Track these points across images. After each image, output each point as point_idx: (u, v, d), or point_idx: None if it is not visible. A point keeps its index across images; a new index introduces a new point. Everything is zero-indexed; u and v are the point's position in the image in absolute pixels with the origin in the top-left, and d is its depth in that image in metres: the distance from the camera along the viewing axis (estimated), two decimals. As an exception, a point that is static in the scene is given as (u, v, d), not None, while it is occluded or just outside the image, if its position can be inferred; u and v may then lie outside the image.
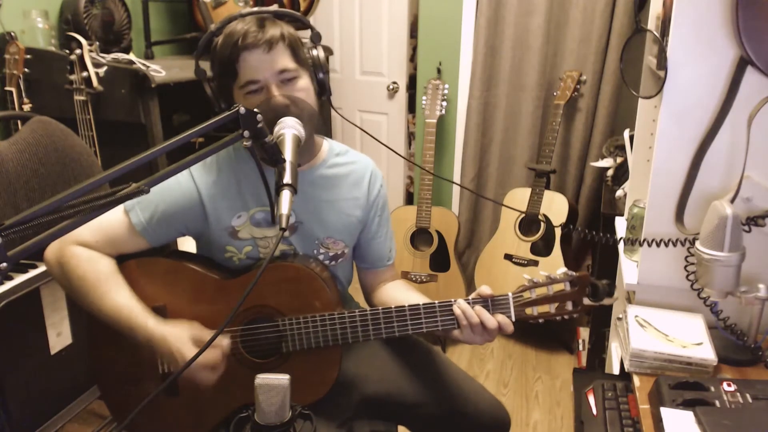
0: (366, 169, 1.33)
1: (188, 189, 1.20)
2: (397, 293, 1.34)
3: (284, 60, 1.14)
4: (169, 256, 1.26)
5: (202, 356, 1.08)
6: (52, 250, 1.19)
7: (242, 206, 1.22)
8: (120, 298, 1.14)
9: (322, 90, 1.22)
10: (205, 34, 1.16)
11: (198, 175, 1.21)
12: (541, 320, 1.16)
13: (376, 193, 1.33)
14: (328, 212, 1.27)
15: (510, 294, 1.14)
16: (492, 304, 1.14)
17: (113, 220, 1.19)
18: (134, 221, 1.19)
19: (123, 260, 1.21)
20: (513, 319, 1.14)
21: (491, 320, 1.11)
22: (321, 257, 1.28)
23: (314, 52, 1.21)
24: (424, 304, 1.15)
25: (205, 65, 1.19)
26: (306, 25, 1.22)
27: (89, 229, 1.17)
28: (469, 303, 1.14)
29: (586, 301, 1.14)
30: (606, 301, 1.13)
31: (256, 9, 1.17)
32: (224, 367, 1.13)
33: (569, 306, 1.14)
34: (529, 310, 1.14)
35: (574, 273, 1.14)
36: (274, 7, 1.21)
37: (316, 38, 1.22)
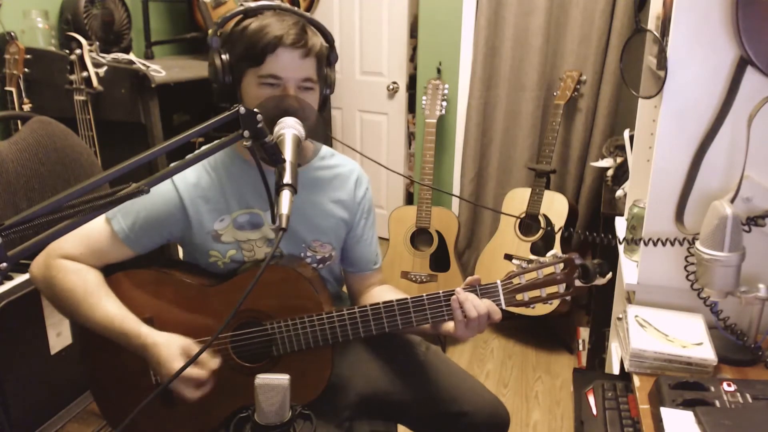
0: (352, 172, 1.33)
1: (169, 194, 1.19)
2: (385, 296, 1.33)
3: (311, 70, 1.16)
4: (154, 266, 1.25)
5: (187, 372, 1.07)
6: (37, 266, 1.18)
7: (225, 209, 1.22)
8: (111, 307, 1.14)
9: (323, 105, 1.24)
10: (238, 9, 1.16)
11: (179, 180, 1.20)
12: (532, 306, 1.14)
13: (361, 196, 1.33)
14: (314, 214, 1.27)
15: (498, 281, 1.14)
16: (480, 292, 1.13)
17: (96, 230, 1.18)
18: (116, 229, 1.18)
19: (108, 273, 1.20)
20: (503, 306, 1.13)
21: (481, 304, 1.11)
22: (308, 260, 1.28)
23: (327, 71, 1.23)
24: (412, 298, 1.15)
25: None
26: (330, 44, 1.22)
27: (72, 241, 1.16)
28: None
29: (578, 282, 1.12)
30: (598, 281, 1.12)
31: (297, 9, 1.18)
32: (210, 385, 1.12)
33: (561, 289, 1.13)
34: (519, 296, 1.13)
35: (563, 255, 1.13)
36: (307, 14, 1.21)
37: (333, 59, 1.24)
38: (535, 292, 1.13)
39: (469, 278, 1.15)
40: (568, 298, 1.14)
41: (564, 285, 1.13)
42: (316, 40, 1.16)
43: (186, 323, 1.18)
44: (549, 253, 1.13)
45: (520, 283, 1.13)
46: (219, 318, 1.18)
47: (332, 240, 1.30)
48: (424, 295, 1.15)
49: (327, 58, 1.22)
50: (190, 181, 1.20)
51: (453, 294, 1.13)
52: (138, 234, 1.19)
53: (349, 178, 1.32)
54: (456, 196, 2.27)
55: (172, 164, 0.86)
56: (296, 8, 1.20)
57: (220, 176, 1.22)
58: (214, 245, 1.23)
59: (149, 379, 1.21)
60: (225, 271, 1.26)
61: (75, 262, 1.17)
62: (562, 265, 1.12)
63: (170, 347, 1.09)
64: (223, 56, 1.16)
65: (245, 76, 1.15)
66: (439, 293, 1.14)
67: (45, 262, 1.17)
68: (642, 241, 1.26)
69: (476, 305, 1.10)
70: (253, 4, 1.17)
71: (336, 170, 1.31)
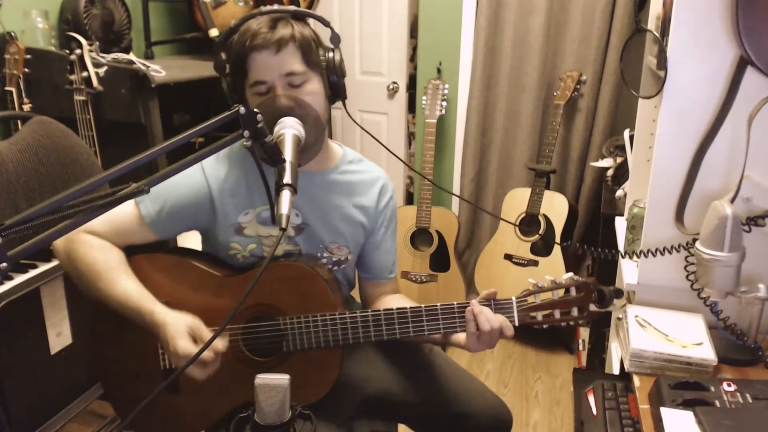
0: (377, 179, 1.33)
1: (199, 183, 1.21)
2: (396, 304, 1.33)
3: (293, 63, 1.13)
4: (174, 251, 1.27)
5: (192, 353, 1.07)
6: (61, 238, 1.18)
7: (249, 203, 1.23)
8: (129, 284, 1.15)
9: (335, 93, 1.20)
10: (226, 30, 1.16)
11: (209, 170, 1.21)
12: (545, 326, 1.15)
13: (384, 204, 1.33)
14: (335, 217, 1.27)
15: (514, 298, 1.14)
16: (495, 307, 1.14)
17: (123, 211, 1.20)
18: (143, 213, 1.19)
19: (129, 255, 1.22)
20: (516, 323, 1.14)
21: (495, 319, 1.11)
22: (324, 261, 1.28)
23: (330, 55, 1.18)
24: (425, 307, 1.15)
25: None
26: (326, 26, 1.20)
27: (99, 219, 1.16)
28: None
29: (593, 307, 1.13)
30: (611, 308, 1.13)
31: (275, 8, 1.16)
32: (216, 366, 1.12)
33: (575, 312, 1.14)
34: (533, 315, 1.14)
35: (580, 278, 1.13)
36: (275, 6, 1.20)
37: (335, 40, 1.19)
38: (549, 313, 1.14)
39: (485, 292, 1.15)
40: (581, 321, 1.14)
41: (578, 308, 1.13)
42: (286, 31, 1.12)
43: (201, 310, 1.18)
44: (566, 276, 1.14)
45: (534, 302, 1.13)
46: (233, 308, 1.18)
47: (350, 244, 1.29)
48: (438, 304, 1.15)
49: (314, 42, 1.17)
50: (219, 173, 1.22)
51: (467, 306, 1.13)
52: (164, 219, 1.20)
53: (373, 185, 1.32)
54: (455, 194, 2.26)
55: (170, 166, 0.86)
56: (272, 6, 1.18)
57: (247, 171, 1.23)
58: (235, 238, 1.23)
59: (158, 366, 1.22)
60: (244, 265, 1.26)
61: (99, 238, 1.19)
62: (578, 288, 1.13)
63: (177, 326, 1.09)
64: (227, 79, 1.17)
65: (245, 91, 1.16)
66: (453, 304, 1.14)
67: (69, 235, 1.17)
68: (642, 253, 1.26)
69: (490, 319, 1.10)
70: (240, 19, 1.16)
71: (361, 176, 1.31)
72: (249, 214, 1.23)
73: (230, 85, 1.18)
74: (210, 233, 1.26)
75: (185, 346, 1.07)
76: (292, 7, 1.19)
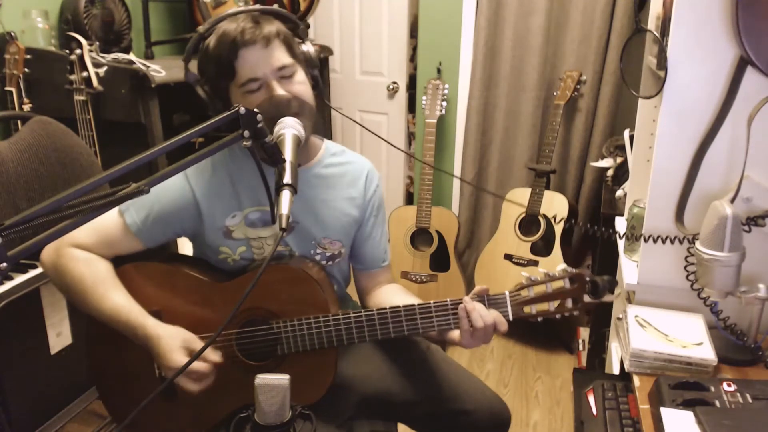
0: (362, 169, 1.33)
1: (183, 189, 1.20)
2: (393, 297, 1.33)
3: (282, 56, 1.14)
4: (164, 259, 1.26)
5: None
6: (48, 253, 1.18)
7: (236, 206, 1.22)
8: (119, 299, 1.14)
9: (315, 85, 1.22)
10: (194, 37, 1.14)
11: (192, 176, 1.20)
12: (540, 319, 1.15)
13: (372, 193, 1.33)
14: (325, 212, 1.27)
15: (507, 292, 1.14)
16: (488, 303, 1.13)
17: (108, 222, 1.19)
18: (129, 222, 1.19)
19: (118, 264, 1.21)
20: (510, 318, 1.13)
21: (488, 315, 1.10)
22: (318, 257, 1.28)
23: (304, 48, 1.21)
24: (419, 305, 1.15)
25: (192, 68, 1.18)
26: (293, 22, 1.21)
27: (85, 231, 1.16)
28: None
29: (587, 298, 1.12)
30: (607, 298, 1.12)
31: (243, 8, 1.16)
32: (211, 379, 1.12)
33: (569, 304, 1.13)
34: (527, 309, 1.13)
35: (573, 270, 1.12)
36: (257, 6, 1.20)
37: (303, 34, 1.22)
38: (543, 306, 1.13)
39: (478, 288, 1.15)
40: (576, 313, 1.14)
41: (572, 300, 1.13)
42: (271, 27, 1.14)
43: (193, 318, 1.18)
44: (559, 267, 1.13)
45: (528, 296, 1.13)
46: (226, 314, 1.18)
47: (342, 237, 1.30)
48: (431, 302, 1.14)
49: (294, 38, 1.19)
50: (203, 176, 1.21)
51: (460, 303, 1.12)
52: (150, 228, 1.19)
53: (360, 176, 1.32)
54: (458, 178, 2.25)
55: (169, 166, 0.86)
56: (245, 6, 1.18)
57: (232, 173, 1.22)
58: (224, 241, 1.23)
59: (153, 372, 1.22)
60: (235, 269, 1.26)
61: (85, 251, 1.18)
62: (571, 280, 1.12)
63: (171, 339, 1.09)
64: (205, 87, 1.17)
65: (230, 93, 1.15)
66: (446, 301, 1.14)
67: (56, 250, 1.17)
68: (642, 238, 1.26)
69: (483, 315, 1.10)
70: (208, 23, 1.16)
71: (346, 167, 1.31)
72: (236, 216, 1.22)
73: (211, 91, 1.17)
74: (199, 238, 1.25)
75: (179, 359, 1.07)
76: (258, 6, 1.20)
